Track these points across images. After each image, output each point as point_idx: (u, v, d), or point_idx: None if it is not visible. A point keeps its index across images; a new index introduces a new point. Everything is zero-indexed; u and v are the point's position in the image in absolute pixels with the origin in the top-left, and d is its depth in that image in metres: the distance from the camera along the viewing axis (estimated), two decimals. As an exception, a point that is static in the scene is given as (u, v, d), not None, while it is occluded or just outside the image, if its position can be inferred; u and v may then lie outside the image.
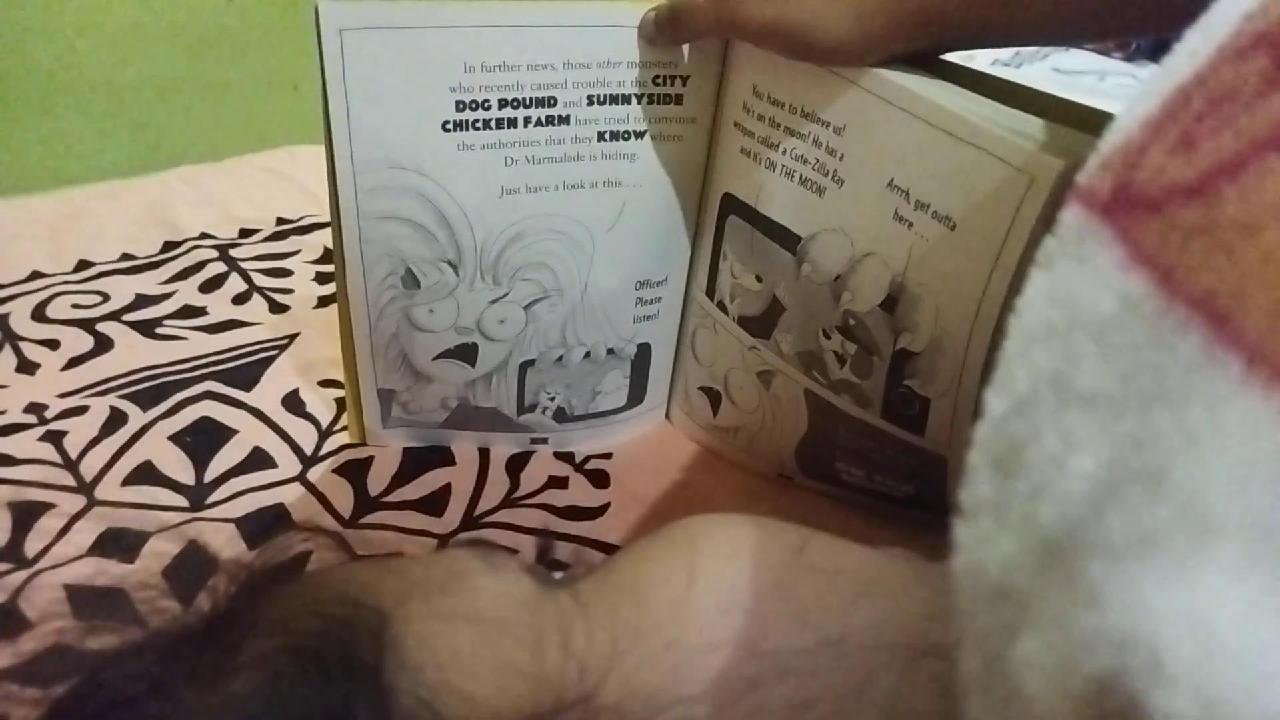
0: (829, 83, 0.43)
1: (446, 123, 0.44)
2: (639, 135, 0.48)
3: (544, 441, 0.57)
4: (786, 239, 0.47)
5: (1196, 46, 0.20)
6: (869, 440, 0.48)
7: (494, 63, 0.43)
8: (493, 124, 0.45)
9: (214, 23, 1.66)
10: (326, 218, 0.81)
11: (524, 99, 0.45)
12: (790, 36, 0.41)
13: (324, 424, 0.57)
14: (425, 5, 0.42)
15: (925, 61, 0.42)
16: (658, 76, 0.47)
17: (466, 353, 0.51)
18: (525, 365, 0.53)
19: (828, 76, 0.42)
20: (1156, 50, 1.32)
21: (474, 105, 0.44)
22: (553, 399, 0.55)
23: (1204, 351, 0.15)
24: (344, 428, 0.56)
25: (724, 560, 0.27)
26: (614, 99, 0.46)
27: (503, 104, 0.44)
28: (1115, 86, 1.16)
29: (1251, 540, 0.13)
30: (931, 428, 0.44)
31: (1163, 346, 0.16)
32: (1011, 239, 0.37)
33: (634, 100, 0.47)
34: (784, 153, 0.46)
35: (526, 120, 0.45)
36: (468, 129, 0.44)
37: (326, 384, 0.60)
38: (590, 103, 0.46)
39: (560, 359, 0.53)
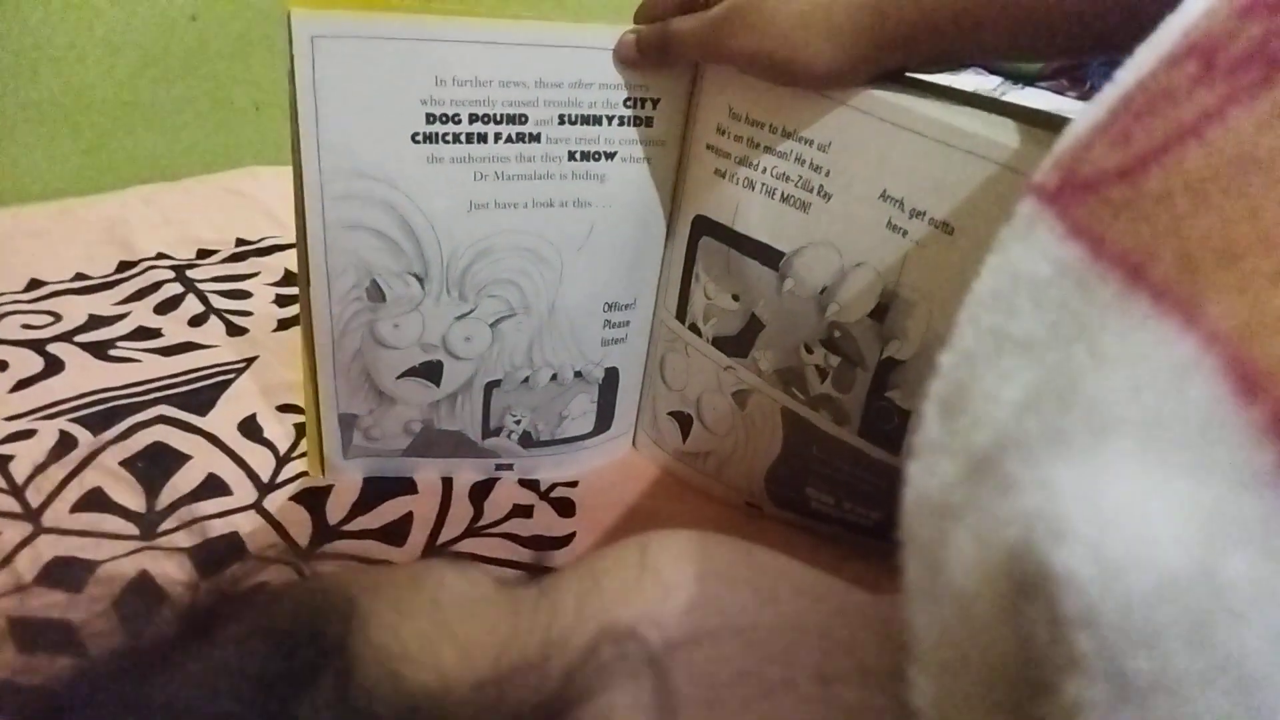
0: (812, 102, 0.44)
1: (416, 134, 0.44)
2: (609, 156, 0.49)
3: (509, 468, 0.56)
4: (767, 256, 0.48)
5: (1141, 60, 0.23)
6: (843, 460, 0.49)
7: (466, 77, 0.44)
8: (463, 138, 0.45)
9: (176, 41, 1.65)
10: (287, 239, 0.82)
11: (495, 115, 0.45)
12: (775, 64, 0.42)
13: (282, 450, 0.56)
14: (399, 16, 0.42)
15: (899, 77, 0.43)
16: (629, 99, 0.48)
17: (431, 371, 0.51)
18: (491, 386, 0.53)
19: (810, 96, 0.44)
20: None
21: (444, 119, 0.44)
22: (518, 422, 0.55)
23: (1118, 295, 0.18)
24: (303, 454, 0.56)
25: (672, 556, 0.29)
26: (585, 119, 0.47)
27: (473, 119, 0.45)
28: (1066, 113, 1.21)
29: (1145, 433, 0.16)
30: (908, 445, 0.45)
31: (1085, 295, 0.18)
32: None
33: (605, 121, 0.48)
34: (763, 171, 0.47)
35: (497, 136, 0.46)
36: (438, 142, 0.45)
37: (285, 409, 0.60)
38: (561, 122, 0.47)
39: (526, 380, 0.53)
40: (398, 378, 0.51)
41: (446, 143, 0.45)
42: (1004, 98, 1.28)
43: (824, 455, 0.50)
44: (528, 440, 0.56)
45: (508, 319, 0.51)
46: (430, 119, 0.44)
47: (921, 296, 0.43)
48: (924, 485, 0.21)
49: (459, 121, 0.45)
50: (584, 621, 0.27)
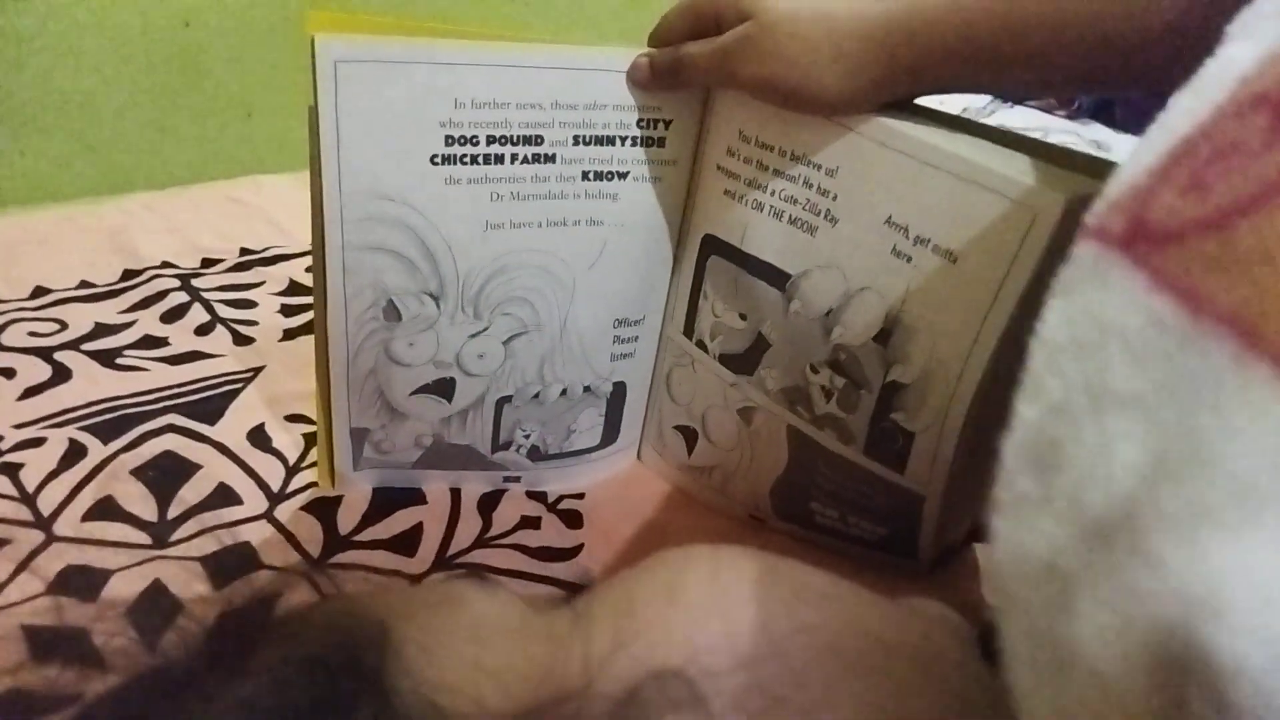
0: (820, 127, 0.45)
1: (435, 156, 0.45)
2: (622, 176, 0.50)
3: (516, 480, 0.57)
4: (774, 277, 0.49)
5: (1191, 106, 0.23)
6: (848, 478, 0.50)
7: (484, 100, 0.45)
8: (480, 160, 0.46)
9: (170, 46, 1.65)
10: (292, 249, 0.82)
11: (512, 136, 0.46)
12: (785, 90, 0.43)
13: (291, 460, 0.57)
14: (419, 41, 0.43)
15: (906, 105, 0.45)
16: (642, 119, 0.49)
17: (444, 388, 0.52)
18: (502, 402, 0.54)
19: (819, 121, 0.45)
20: (1098, 110, 1.39)
21: (463, 141, 0.45)
22: (528, 436, 0.56)
23: (1236, 358, 0.17)
24: (312, 464, 0.56)
25: (701, 578, 0.30)
26: (599, 140, 0.48)
27: (491, 140, 0.46)
28: (1059, 143, 1.23)
29: None
30: (913, 463, 0.46)
31: (1196, 354, 0.18)
32: (1015, 271, 0.40)
33: (618, 142, 0.49)
34: (772, 194, 0.48)
35: (514, 157, 0.47)
36: (456, 164, 0.46)
37: (293, 419, 0.60)
38: (576, 143, 0.48)
39: (537, 396, 0.54)
40: (410, 394, 0.52)
41: (464, 164, 0.46)
42: (993, 115, 1.31)
43: (829, 472, 0.51)
44: (536, 453, 0.56)
45: (520, 336, 0.51)
46: (449, 141, 0.45)
47: (925, 322, 0.44)
48: (1024, 544, 0.20)
49: (477, 143, 0.46)
50: (621, 648, 0.27)
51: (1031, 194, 0.39)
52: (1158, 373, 0.19)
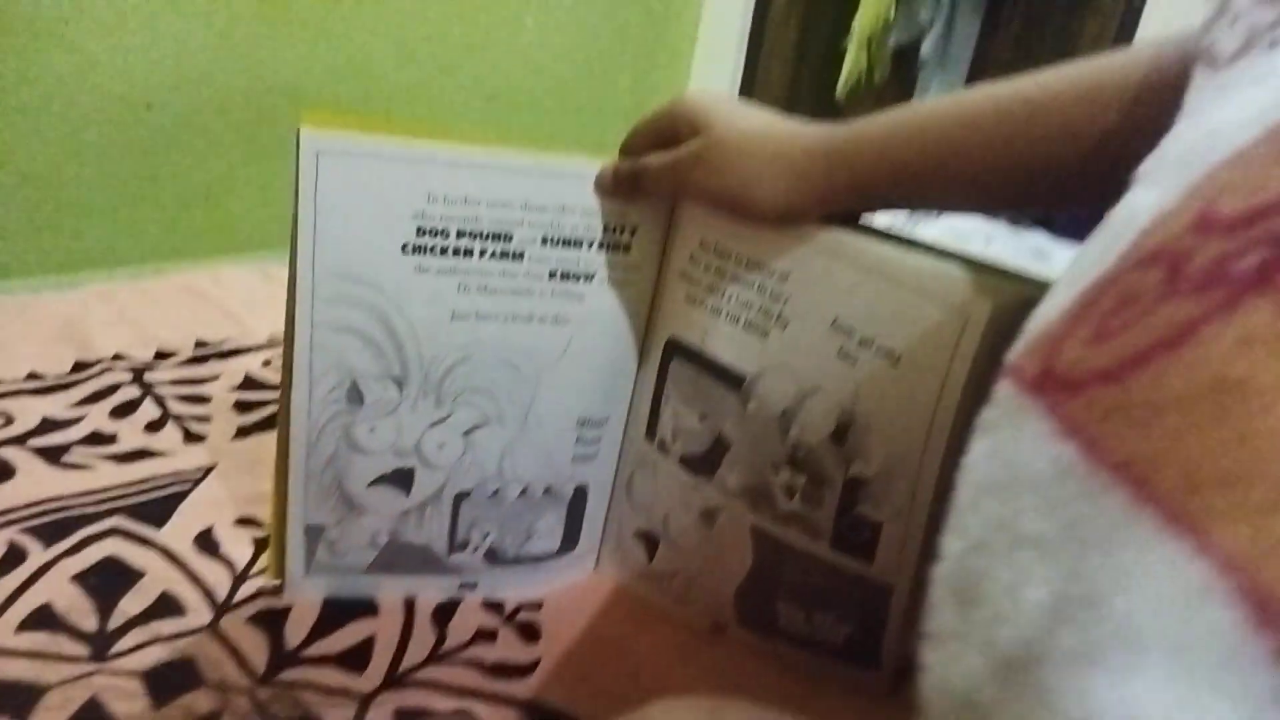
0: (773, 236, 0.48)
1: (406, 245, 0.47)
2: (588, 278, 0.51)
3: (472, 587, 0.56)
4: (732, 378, 0.50)
5: (1100, 252, 0.24)
6: (815, 574, 0.50)
7: (456, 196, 0.47)
8: (450, 251, 0.48)
9: (132, 128, 1.66)
10: (249, 342, 0.82)
11: (482, 232, 0.48)
12: (731, 202, 0.47)
13: (239, 567, 0.55)
14: (398, 140, 0.46)
15: (847, 218, 0.48)
16: (609, 225, 0.51)
17: (402, 479, 0.52)
18: (460, 497, 0.53)
19: (771, 230, 0.48)
20: (1041, 219, 1.45)
21: (434, 232, 0.47)
22: (485, 537, 0.55)
23: (1127, 509, 0.19)
24: (261, 571, 0.55)
25: None
26: (566, 242, 0.50)
27: (461, 234, 0.48)
28: (1001, 249, 1.27)
29: (1174, 653, 0.17)
30: (881, 553, 0.47)
31: (1093, 502, 0.20)
32: (954, 370, 0.43)
33: (585, 245, 0.50)
34: (729, 299, 0.50)
35: (483, 252, 0.49)
36: (426, 253, 0.48)
37: (243, 522, 0.59)
38: (544, 243, 0.50)
39: (496, 493, 0.54)
40: (369, 484, 0.51)
41: (434, 255, 0.48)
42: (936, 219, 1.35)
43: (796, 570, 0.51)
44: (493, 557, 0.56)
45: (481, 428, 0.52)
46: (420, 232, 0.47)
47: (877, 420, 0.46)
48: (947, 676, 0.21)
49: (448, 236, 0.48)
50: None
51: (963, 299, 0.42)
52: (1061, 517, 0.20)
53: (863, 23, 2.64)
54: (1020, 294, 0.42)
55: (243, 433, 0.69)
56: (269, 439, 0.68)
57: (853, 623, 0.50)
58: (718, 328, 0.51)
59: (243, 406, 0.72)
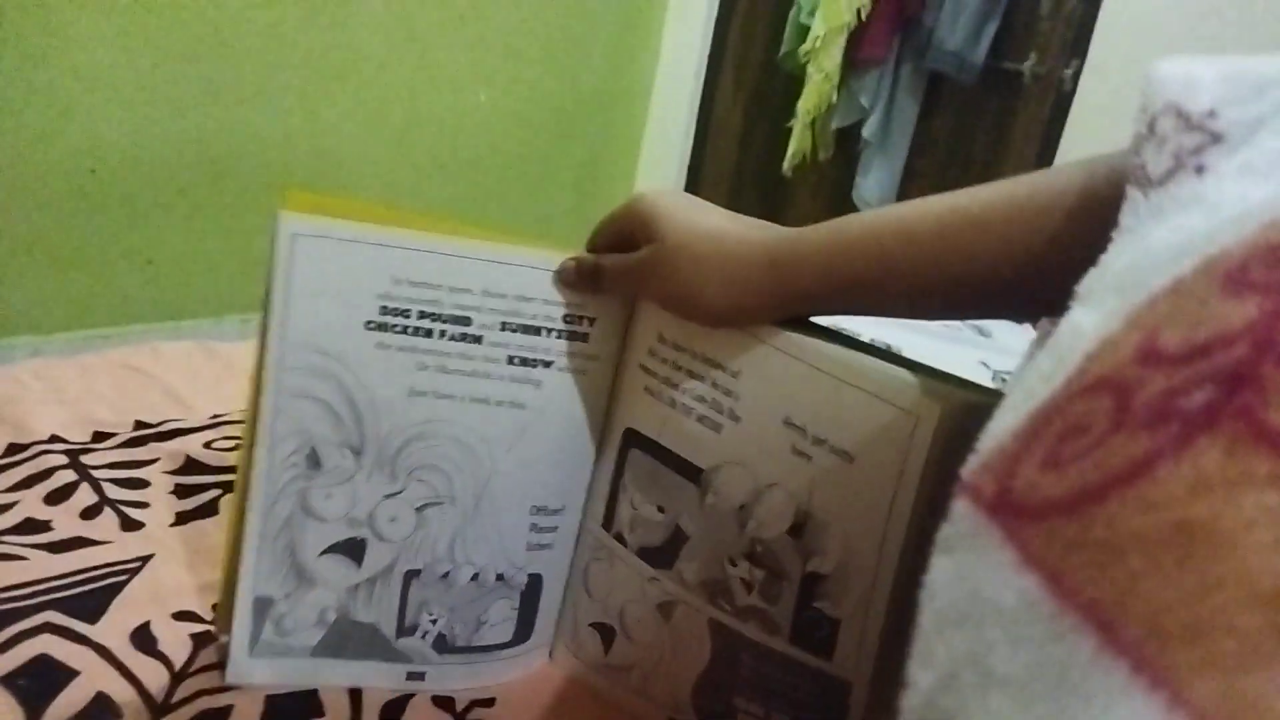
0: (725, 334, 0.49)
1: (370, 322, 0.50)
2: (546, 364, 0.53)
3: (421, 678, 0.55)
4: (689, 470, 0.51)
5: (1048, 371, 0.25)
6: (774, 669, 0.50)
7: (419, 280, 0.50)
8: (411, 331, 0.51)
9: (74, 192, 1.64)
10: (189, 422, 0.80)
11: (442, 315, 0.51)
12: (680, 305, 0.50)
13: (177, 665, 0.53)
14: (368, 226, 0.49)
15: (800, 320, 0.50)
16: (568, 315, 0.53)
17: (354, 550, 0.52)
18: (410, 576, 0.53)
19: (723, 330, 0.49)
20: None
21: (396, 312, 0.50)
22: (434, 622, 0.54)
23: (1095, 654, 0.19)
24: (200, 669, 0.53)
25: None
26: (525, 329, 0.52)
27: (422, 315, 0.50)
28: (941, 328, 1.31)
29: None
30: (840, 649, 0.47)
31: (1062, 644, 0.19)
32: (908, 470, 0.44)
33: (544, 332, 0.52)
34: (684, 392, 0.51)
35: (442, 333, 0.51)
36: (388, 331, 0.50)
37: (182, 617, 0.57)
38: (503, 328, 0.52)
39: (446, 575, 0.54)
40: (321, 554, 0.52)
41: (396, 333, 0.50)
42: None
43: (754, 664, 0.51)
44: (443, 644, 0.55)
45: (434, 506, 0.53)
46: (384, 310, 0.50)
47: (833, 517, 0.46)
48: None
49: (409, 316, 0.50)
50: None
51: (913, 400, 0.43)
52: (1031, 657, 0.20)
53: (806, 105, 2.74)
54: (966, 399, 0.44)
55: (182, 519, 0.67)
56: (209, 526, 0.67)
57: (811, 715, 0.50)
58: (674, 420, 0.52)
59: (182, 491, 0.70)
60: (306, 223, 0.48)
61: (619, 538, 0.55)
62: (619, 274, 0.51)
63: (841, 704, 0.48)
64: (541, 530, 0.55)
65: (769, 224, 0.49)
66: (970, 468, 0.25)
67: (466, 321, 0.51)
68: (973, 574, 0.22)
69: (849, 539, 0.46)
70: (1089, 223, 0.39)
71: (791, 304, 0.47)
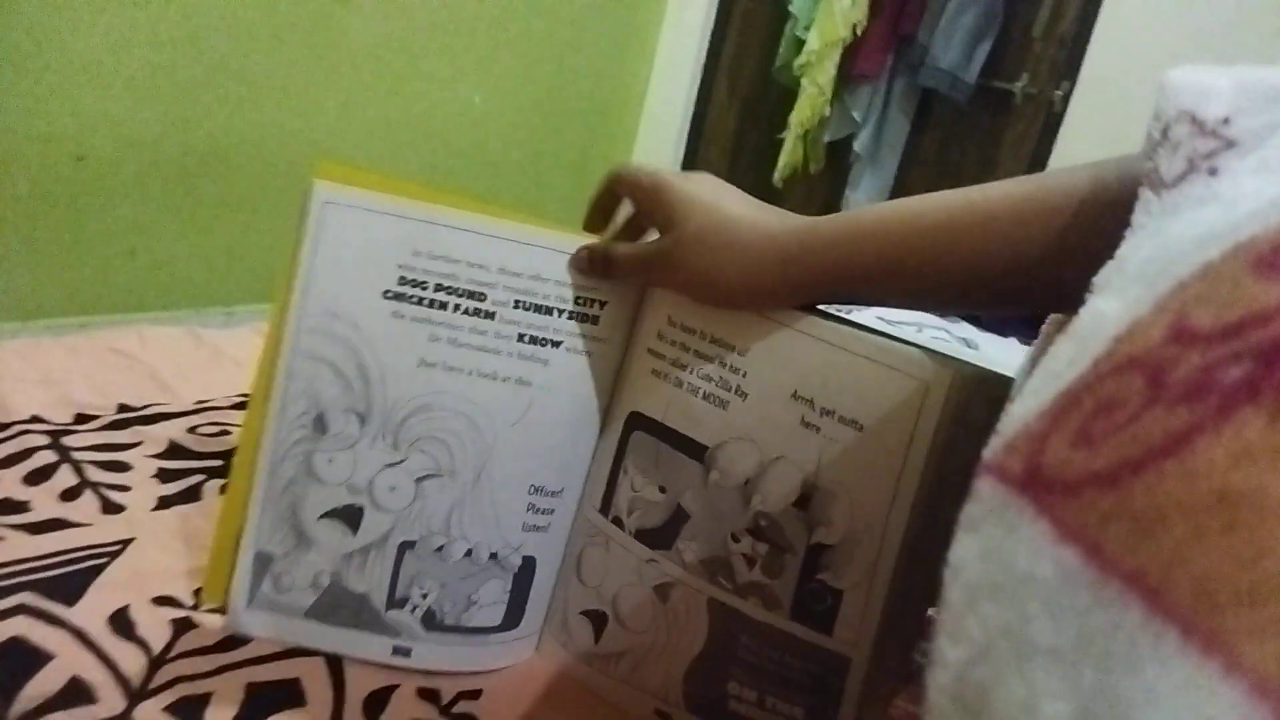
0: (736, 313, 0.50)
1: (388, 291, 0.51)
2: (555, 344, 0.54)
3: (407, 653, 0.54)
4: (693, 449, 0.52)
5: (1072, 355, 0.25)
6: (772, 648, 0.50)
7: (439, 254, 0.52)
8: (426, 303, 0.52)
9: (61, 180, 1.62)
10: (174, 407, 0.79)
11: (458, 289, 0.52)
12: (696, 291, 0.51)
13: (156, 650, 0.52)
14: (396, 198, 0.51)
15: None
16: (579, 297, 0.54)
17: (351, 517, 0.53)
18: (404, 547, 0.53)
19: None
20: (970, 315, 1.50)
21: (414, 283, 0.52)
22: (425, 596, 0.54)
23: (1144, 622, 0.18)
24: (179, 655, 0.51)
25: None
26: (537, 308, 0.53)
27: (439, 288, 0.52)
28: (931, 338, 1.31)
29: None
30: (841, 624, 0.48)
31: (1107, 614, 0.19)
32: (918, 438, 0.45)
33: (555, 313, 0.53)
34: (691, 372, 0.52)
35: (457, 307, 0.52)
36: (404, 301, 0.52)
37: (162, 601, 0.55)
38: (516, 306, 0.53)
39: (441, 549, 0.54)
40: (320, 517, 0.52)
41: (411, 303, 0.52)
42: (869, 307, 1.39)
43: (752, 644, 0.51)
44: (431, 620, 0.54)
45: (433, 478, 0.53)
46: (402, 281, 0.51)
47: (841, 487, 0.47)
48: None
49: (426, 288, 0.52)
50: None
51: (925, 369, 0.45)
52: (1073, 628, 0.20)
53: (799, 117, 2.75)
54: (976, 371, 0.45)
55: (164, 503, 0.65)
56: (191, 511, 0.65)
57: (807, 702, 0.50)
58: (679, 400, 0.52)
59: (165, 475, 0.69)
60: (338, 191, 0.50)
61: (616, 521, 0.55)
62: (630, 264, 0.52)
63: (838, 683, 0.49)
64: (538, 511, 0.55)
65: (786, 213, 0.50)
66: (993, 449, 0.25)
67: (481, 297, 0.52)
68: (1004, 549, 0.22)
69: (856, 508, 0.47)
70: (1098, 221, 0.40)
71: (804, 292, 0.48)
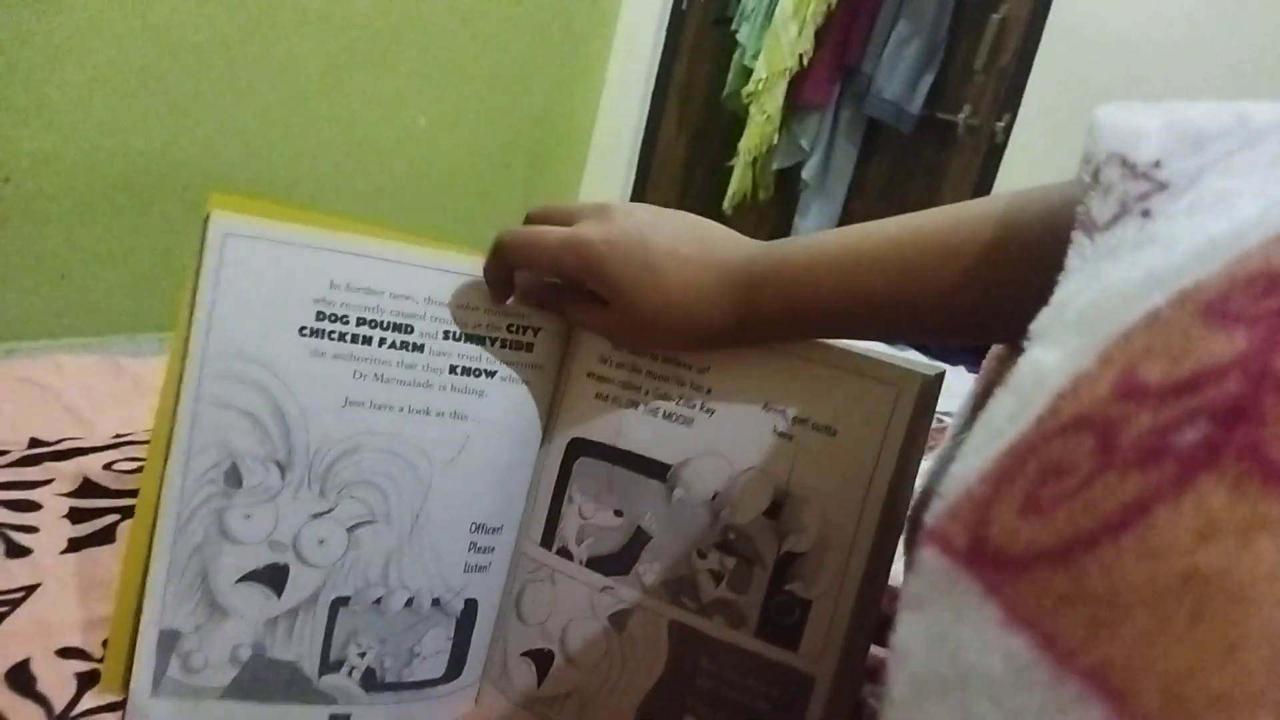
0: None
1: (304, 328, 0.48)
2: (489, 374, 0.51)
3: (345, 719, 0.50)
4: (654, 469, 0.51)
5: (1013, 410, 0.24)
6: (734, 671, 0.49)
7: (359, 285, 0.48)
8: (349, 338, 0.49)
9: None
10: (89, 441, 0.74)
11: (382, 322, 0.49)
12: (650, 345, 0.50)
13: (58, 707, 0.47)
14: (304, 228, 0.48)
15: None
16: (512, 325, 0.52)
17: (275, 577, 0.48)
18: (338, 604, 0.49)
19: None
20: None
21: (333, 318, 0.48)
22: (363, 655, 0.50)
23: None
24: (84, 713, 0.47)
25: None
26: (468, 337, 0.51)
27: (361, 322, 0.49)
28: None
29: None
30: (807, 638, 0.48)
31: (1066, 719, 0.17)
32: (889, 442, 0.47)
33: (487, 342, 0.51)
34: (646, 393, 0.51)
35: (382, 341, 0.49)
36: (323, 338, 0.48)
37: (67, 654, 0.51)
38: (445, 337, 0.50)
39: (379, 601, 0.50)
40: (237, 581, 0.48)
41: (332, 339, 0.48)
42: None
43: (712, 668, 0.50)
44: (371, 680, 0.50)
45: (367, 525, 0.49)
46: (320, 316, 0.48)
47: (813, 493, 0.48)
48: None
49: (347, 322, 0.48)
50: None
51: (895, 374, 0.47)
52: None
53: (748, 145, 2.77)
54: (938, 374, 0.47)
55: (74, 546, 0.61)
56: (104, 554, 0.61)
57: None
58: (634, 422, 0.51)
59: (77, 515, 0.65)
60: (240, 223, 0.47)
61: (563, 552, 0.53)
62: (580, 320, 0.51)
63: (801, 705, 0.48)
64: (480, 550, 0.53)
65: (729, 241, 0.48)
66: (935, 514, 0.23)
67: (408, 329, 0.49)
68: (951, 635, 0.20)
69: (827, 513, 0.47)
70: (1014, 263, 0.40)
71: (759, 334, 0.48)
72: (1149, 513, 0.18)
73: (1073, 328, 0.24)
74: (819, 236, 0.46)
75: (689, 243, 0.47)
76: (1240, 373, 0.18)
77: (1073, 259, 0.29)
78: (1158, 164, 0.30)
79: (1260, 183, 0.26)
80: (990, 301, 0.41)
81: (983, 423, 0.24)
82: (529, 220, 0.52)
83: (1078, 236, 0.30)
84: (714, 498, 0.50)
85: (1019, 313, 0.27)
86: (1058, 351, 0.24)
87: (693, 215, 0.50)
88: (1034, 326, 0.26)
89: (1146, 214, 0.28)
